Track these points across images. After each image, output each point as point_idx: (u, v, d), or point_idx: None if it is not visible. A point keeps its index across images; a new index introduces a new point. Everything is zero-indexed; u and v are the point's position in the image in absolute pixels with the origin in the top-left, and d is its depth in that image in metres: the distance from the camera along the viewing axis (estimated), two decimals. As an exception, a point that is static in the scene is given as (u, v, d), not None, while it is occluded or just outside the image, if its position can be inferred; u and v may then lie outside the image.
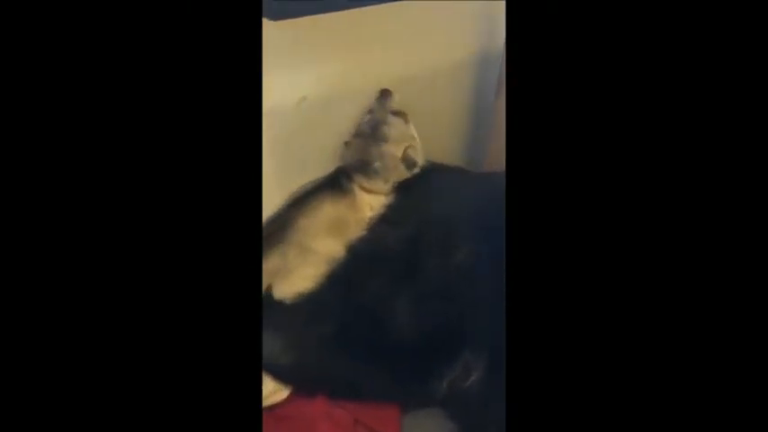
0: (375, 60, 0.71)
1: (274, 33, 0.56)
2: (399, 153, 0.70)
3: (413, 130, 0.72)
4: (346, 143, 0.71)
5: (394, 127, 0.71)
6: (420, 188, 0.73)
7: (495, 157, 0.80)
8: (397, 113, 0.71)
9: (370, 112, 0.71)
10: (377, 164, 0.69)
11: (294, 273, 0.63)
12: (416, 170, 0.71)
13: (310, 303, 0.64)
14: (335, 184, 0.70)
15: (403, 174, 0.70)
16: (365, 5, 0.60)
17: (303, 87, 0.66)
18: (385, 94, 0.70)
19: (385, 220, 0.70)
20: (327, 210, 0.68)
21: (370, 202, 0.70)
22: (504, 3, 0.64)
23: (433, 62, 0.75)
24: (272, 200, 0.67)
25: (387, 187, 0.70)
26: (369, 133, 0.70)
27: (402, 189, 0.72)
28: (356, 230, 0.68)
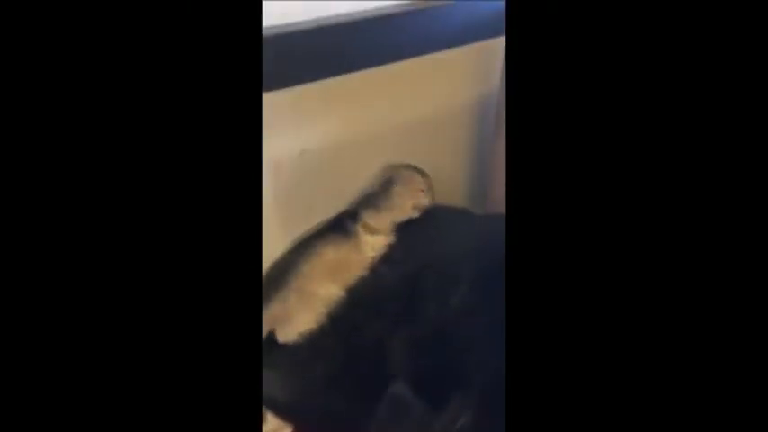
0: (375, 114, 0.75)
1: (274, 100, 0.61)
2: (420, 187, 0.74)
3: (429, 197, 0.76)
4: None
5: (428, 180, 0.75)
6: (422, 228, 0.76)
7: (497, 199, 0.81)
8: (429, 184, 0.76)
9: None
10: (397, 187, 0.73)
11: (295, 317, 0.67)
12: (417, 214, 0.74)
13: (313, 345, 0.68)
14: (338, 227, 0.74)
15: (407, 213, 0.73)
16: (363, 69, 0.64)
17: (304, 142, 0.71)
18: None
19: (386, 260, 0.73)
20: (329, 253, 0.71)
21: (373, 242, 0.73)
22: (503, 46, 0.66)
23: (433, 110, 0.78)
24: (278, 249, 0.72)
25: (390, 226, 0.73)
26: (413, 168, 0.75)
27: (404, 229, 0.75)
28: (357, 271, 0.71)
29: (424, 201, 0.74)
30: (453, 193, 0.83)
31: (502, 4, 0.66)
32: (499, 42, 0.73)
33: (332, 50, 0.59)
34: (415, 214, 0.74)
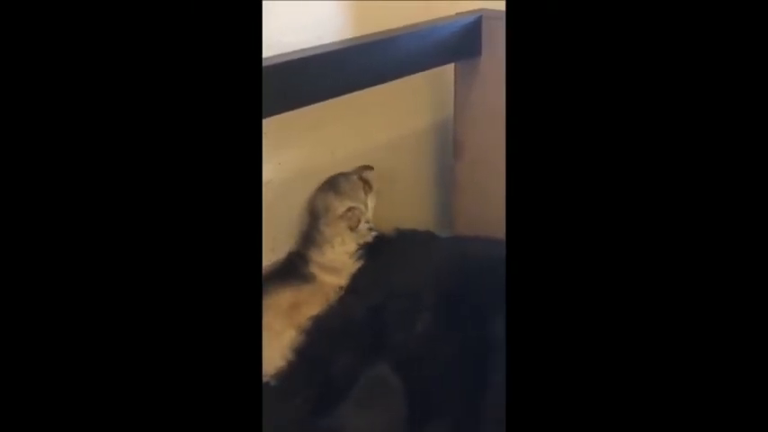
0: (336, 143, 0.76)
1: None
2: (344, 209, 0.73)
3: (370, 200, 0.75)
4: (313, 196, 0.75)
5: (352, 186, 0.74)
6: (386, 255, 0.76)
7: (461, 218, 0.82)
8: (363, 179, 0.75)
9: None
10: (322, 219, 0.73)
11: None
12: (364, 237, 0.74)
13: (282, 381, 0.67)
14: (291, 270, 0.73)
15: (352, 239, 0.73)
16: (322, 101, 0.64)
17: (267, 172, 0.72)
18: (367, 167, 0.75)
19: (352, 291, 0.73)
20: (287, 294, 0.71)
21: (331, 282, 0.72)
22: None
23: (393, 136, 0.80)
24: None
25: (344, 260, 0.72)
26: (329, 185, 0.74)
27: (367, 257, 0.74)
28: (316, 310, 0.70)
29: (360, 223, 0.73)
30: (419, 216, 0.84)
31: (449, 33, 0.68)
32: (449, 68, 0.75)
33: (291, 84, 0.60)
34: (365, 232, 0.73)
